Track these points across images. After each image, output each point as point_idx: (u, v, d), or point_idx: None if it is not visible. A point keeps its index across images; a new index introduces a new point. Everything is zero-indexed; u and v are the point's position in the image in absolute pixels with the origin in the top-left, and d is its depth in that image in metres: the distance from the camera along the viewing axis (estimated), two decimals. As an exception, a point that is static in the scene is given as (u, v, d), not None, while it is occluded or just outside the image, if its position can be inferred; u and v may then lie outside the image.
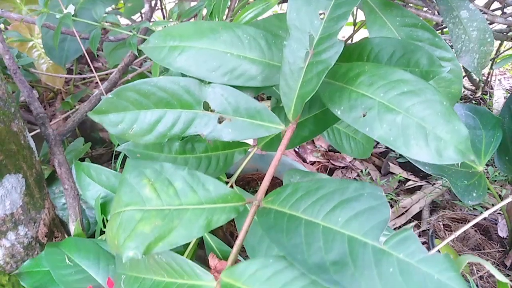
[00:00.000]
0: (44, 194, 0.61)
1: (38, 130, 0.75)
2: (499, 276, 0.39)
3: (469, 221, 1.01)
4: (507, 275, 0.93)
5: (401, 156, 1.27)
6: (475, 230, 1.01)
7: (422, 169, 0.68)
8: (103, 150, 1.11)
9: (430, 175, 1.24)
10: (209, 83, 0.43)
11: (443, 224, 1.08)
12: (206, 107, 0.42)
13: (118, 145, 0.49)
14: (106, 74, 0.94)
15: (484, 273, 0.91)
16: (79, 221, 0.56)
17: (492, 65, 1.37)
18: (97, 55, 1.24)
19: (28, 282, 0.51)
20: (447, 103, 0.36)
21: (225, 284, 0.31)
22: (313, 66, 0.38)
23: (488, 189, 0.78)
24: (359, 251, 0.28)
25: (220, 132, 0.41)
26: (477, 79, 1.43)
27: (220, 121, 0.41)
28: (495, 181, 1.17)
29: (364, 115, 0.38)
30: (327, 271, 0.27)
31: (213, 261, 0.51)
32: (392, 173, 1.25)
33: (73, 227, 0.58)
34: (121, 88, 0.41)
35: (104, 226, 0.54)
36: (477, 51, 0.58)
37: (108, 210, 0.53)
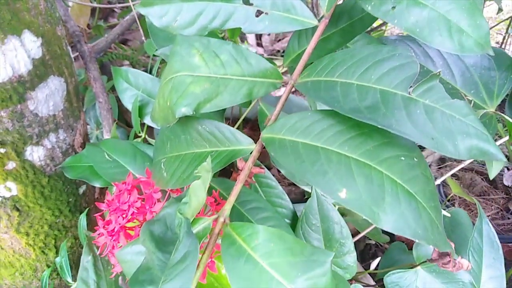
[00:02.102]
0: (80, 107, 0.65)
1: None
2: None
3: (474, 171, 1.05)
4: (508, 218, 0.97)
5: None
6: (482, 179, 1.04)
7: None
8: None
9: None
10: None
11: (451, 175, 1.12)
12: (245, 1, 0.45)
13: (156, 50, 0.53)
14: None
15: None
16: (115, 125, 0.60)
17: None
18: None
19: (71, 174, 0.56)
20: (472, -1, 0.38)
21: (266, 139, 0.35)
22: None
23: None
24: (389, 99, 0.31)
25: (257, 25, 0.44)
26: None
27: (257, 14, 0.44)
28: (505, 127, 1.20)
29: (393, 8, 0.41)
30: (361, 113, 0.31)
31: (240, 163, 0.55)
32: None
33: (107, 136, 0.63)
34: (166, -18, 0.44)
35: (140, 130, 0.58)
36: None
37: (145, 113, 0.57)
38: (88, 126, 0.82)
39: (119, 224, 0.45)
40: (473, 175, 1.02)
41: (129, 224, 0.48)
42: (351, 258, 0.59)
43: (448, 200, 0.95)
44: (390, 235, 0.93)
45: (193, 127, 0.41)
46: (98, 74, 0.65)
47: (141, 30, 0.88)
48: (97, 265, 0.56)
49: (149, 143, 0.58)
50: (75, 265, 0.74)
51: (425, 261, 0.57)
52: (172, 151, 0.45)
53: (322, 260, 0.30)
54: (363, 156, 0.31)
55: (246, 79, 0.38)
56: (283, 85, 0.39)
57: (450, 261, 0.51)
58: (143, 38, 0.99)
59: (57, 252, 0.71)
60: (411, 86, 0.31)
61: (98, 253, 0.53)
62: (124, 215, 0.45)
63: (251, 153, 0.38)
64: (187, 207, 0.31)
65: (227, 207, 0.35)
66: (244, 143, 0.38)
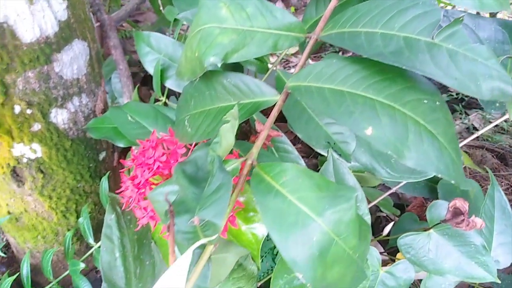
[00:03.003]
0: (101, 73, 0.67)
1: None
2: None
3: (485, 148, 1.06)
4: (518, 195, 0.98)
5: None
6: (492, 156, 1.05)
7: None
8: (137, 69, 1.17)
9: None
10: None
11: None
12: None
13: (178, 14, 0.54)
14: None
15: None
16: (137, 89, 0.62)
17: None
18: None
19: (96, 134, 0.58)
20: None
21: (292, 87, 0.37)
22: None
23: None
24: (413, 44, 0.32)
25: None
26: None
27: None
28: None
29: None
30: (386, 57, 0.32)
31: (259, 126, 0.56)
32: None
33: (127, 101, 0.64)
34: None
35: (161, 93, 0.60)
36: None
37: (166, 77, 0.59)
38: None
39: (145, 177, 0.47)
40: (483, 152, 1.03)
41: (153, 180, 0.50)
42: (366, 221, 0.60)
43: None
44: (401, 208, 0.95)
45: (218, 81, 0.43)
46: (118, 42, 0.67)
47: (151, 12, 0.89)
48: (120, 223, 0.58)
49: (169, 107, 0.60)
50: (94, 230, 0.76)
51: (439, 223, 0.59)
52: (196, 107, 0.47)
53: (347, 195, 0.31)
54: (388, 98, 0.32)
55: (272, 32, 0.39)
56: (306, 39, 0.40)
57: (463, 220, 0.52)
58: (154, 20, 1.00)
59: (77, 217, 0.74)
60: (433, 33, 0.32)
61: (123, 208, 0.55)
62: (149, 169, 0.47)
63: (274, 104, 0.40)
64: (218, 146, 0.33)
65: (254, 151, 0.36)
66: (268, 94, 0.40)
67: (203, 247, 0.31)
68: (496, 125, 1.21)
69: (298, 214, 0.31)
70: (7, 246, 0.84)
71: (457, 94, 1.29)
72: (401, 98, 0.32)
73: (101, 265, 0.56)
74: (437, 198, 0.80)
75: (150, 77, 0.59)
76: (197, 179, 0.33)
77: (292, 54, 1.39)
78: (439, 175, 0.30)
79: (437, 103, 0.33)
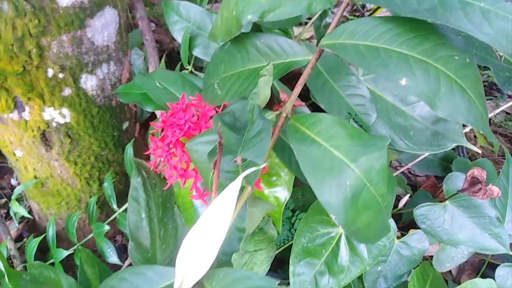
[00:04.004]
0: (128, 43, 0.69)
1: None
2: None
3: (498, 133, 1.07)
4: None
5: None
6: (505, 140, 1.06)
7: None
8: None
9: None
10: None
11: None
12: None
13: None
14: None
15: None
16: (164, 59, 0.64)
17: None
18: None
19: (125, 99, 0.60)
20: None
21: (326, 45, 0.38)
22: None
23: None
24: (447, 2, 0.34)
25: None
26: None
27: None
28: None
29: None
30: (421, 14, 0.34)
31: (283, 95, 0.58)
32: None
33: (152, 69, 0.66)
34: None
35: (187, 63, 0.62)
36: None
37: (194, 45, 0.60)
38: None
39: (176, 137, 0.49)
40: (497, 136, 1.04)
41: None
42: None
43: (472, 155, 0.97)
44: (413, 189, 0.96)
45: (250, 43, 0.44)
46: (145, 14, 0.68)
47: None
48: (146, 186, 0.60)
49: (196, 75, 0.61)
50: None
51: (455, 194, 0.60)
52: (226, 71, 0.48)
53: (379, 144, 0.33)
54: (421, 54, 0.34)
55: (306, -6, 0.41)
56: (339, 2, 0.42)
57: (481, 189, 0.54)
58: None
59: (100, 185, 0.76)
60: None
61: (152, 168, 0.57)
62: (180, 130, 0.49)
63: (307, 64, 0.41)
64: (257, 97, 0.35)
65: (288, 105, 0.38)
66: (301, 54, 0.41)
67: (241, 189, 0.33)
68: (508, 113, 1.22)
69: (333, 160, 0.32)
70: (30, 212, 0.87)
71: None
72: (434, 53, 0.34)
73: (127, 225, 0.58)
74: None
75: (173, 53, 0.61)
76: (236, 127, 0.35)
77: (307, 39, 1.40)
78: (469, 125, 0.31)
79: (467, 60, 0.34)
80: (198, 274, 0.26)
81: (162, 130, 0.52)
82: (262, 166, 0.30)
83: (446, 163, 0.84)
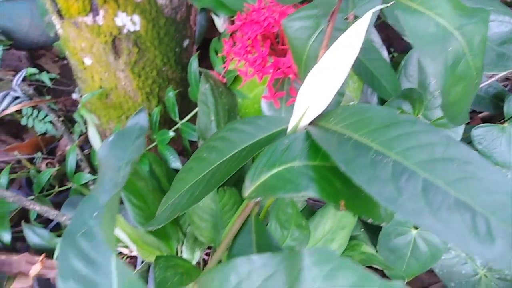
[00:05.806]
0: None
1: None
2: None
3: None
4: None
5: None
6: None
7: None
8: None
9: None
10: None
11: None
12: None
13: None
14: None
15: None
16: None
17: None
18: None
19: (199, 3, 0.61)
20: None
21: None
22: None
23: None
24: None
25: None
26: None
27: None
28: None
29: None
30: None
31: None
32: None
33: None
34: None
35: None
36: None
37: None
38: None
39: (256, 33, 0.51)
40: None
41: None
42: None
43: None
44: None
45: None
46: None
47: None
48: (214, 92, 0.63)
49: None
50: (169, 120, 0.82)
51: (517, 114, 0.61)
52: None
53: (482, 15, 0.34)
54: None
55: None
56: None
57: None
58: None
59: (158, 102, 0.79)
60: None
61: (225, 62, 0.59)
62: (260, 26, 0.51)
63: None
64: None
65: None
66: None
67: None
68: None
69: (437, 26, 0.34)
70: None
71: None
72: None
73: (197, 125, 0.61)
74: (501, 115, 0.82)
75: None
76: None
77: None
78: None
79: None
80: (320, 107, 0.28)
81: (231, 35, 0.54)
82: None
83: (497, 101, 0.84)
